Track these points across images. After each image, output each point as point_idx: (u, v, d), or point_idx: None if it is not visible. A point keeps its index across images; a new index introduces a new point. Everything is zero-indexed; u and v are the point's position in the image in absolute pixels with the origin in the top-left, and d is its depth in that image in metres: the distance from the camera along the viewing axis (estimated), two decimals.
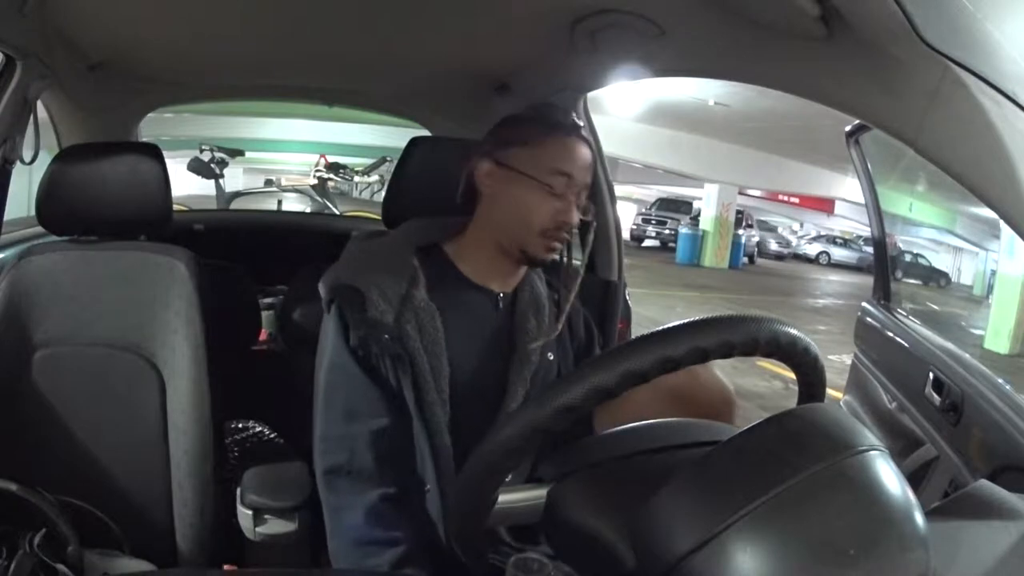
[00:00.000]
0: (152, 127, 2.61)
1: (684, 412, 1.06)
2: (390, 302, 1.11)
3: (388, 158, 5.81)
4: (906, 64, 0.77)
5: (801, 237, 27.24)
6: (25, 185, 1.48)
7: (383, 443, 1.09)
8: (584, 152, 1.16)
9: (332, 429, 1.11)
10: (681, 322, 0.65)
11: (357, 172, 6.68)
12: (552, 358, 1.21)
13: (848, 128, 2.00)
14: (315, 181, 6.12)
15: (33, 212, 1.39)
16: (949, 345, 1.68)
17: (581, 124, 1.23)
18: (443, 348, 1.12)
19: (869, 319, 2.09)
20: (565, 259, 1.24)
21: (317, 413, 1.13)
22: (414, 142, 1.43)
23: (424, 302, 1.13)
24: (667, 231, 20.15)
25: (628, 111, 12.08)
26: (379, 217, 1.65)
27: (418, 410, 1.10)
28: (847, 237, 25.81)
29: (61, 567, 1.00)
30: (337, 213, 4.91)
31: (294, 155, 15.07)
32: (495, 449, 0.67)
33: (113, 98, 1.91)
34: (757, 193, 20.82)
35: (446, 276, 1.18)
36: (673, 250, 18.02)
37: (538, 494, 0.72)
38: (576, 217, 1.15)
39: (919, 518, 0.57)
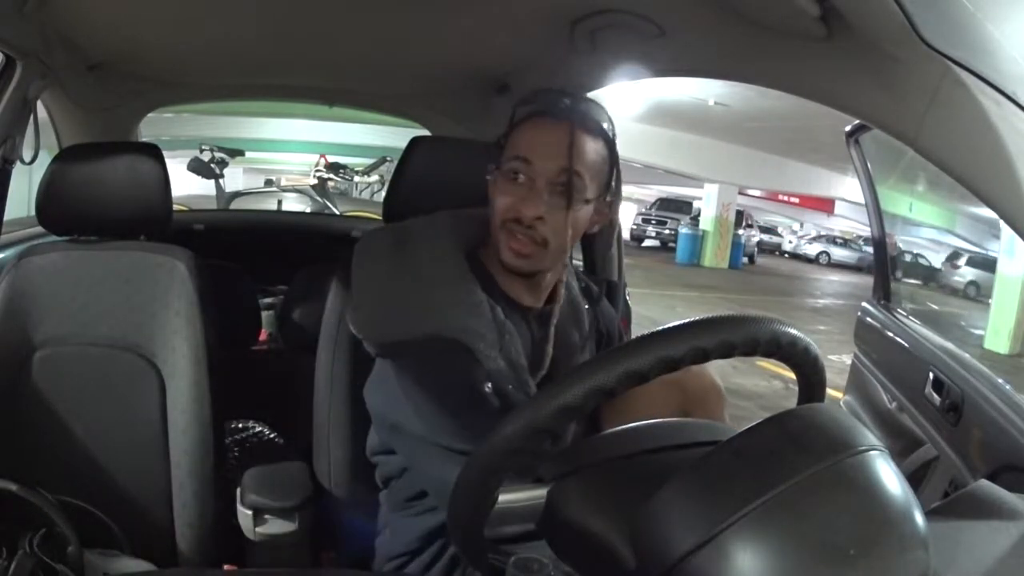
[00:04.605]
0: (152, 127, 2.61)
1: (676, 399, 1.06)
2: (494, 346, 1.01)
3: (388, 158, 5.81)
4: (906, 64, 0.77)
5: (801, 237, 27.27)
6: (25, 185, 1.48)
7: None
8: (553, 133, 0.99)
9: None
10: (681, 322, 0.65)
11: (357, 172, 6.68)
12: None
13: (848, 128, 2.00)
14: (315, 181, 6.12)
15: (33, 212, 1.39)
16: (949, 345, 1.68)
17: (566, 101, 1.02)
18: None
19: (869, 319, 2.09)
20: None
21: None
22: (414, 142, 1.43)
23: (508, 325, 1.04)
24: (667, 231, 20.15)
25: (628, 111, 12.06)
26: (379, 217, 1.65)
27: None
28: (847, 237, 25.82)
29: (61, 567, 1.00)
30: (337, 213, 4.91)
31: (294, 155, 15.07)
32: (495, 449, 0.67)
33: (113, 98, 1.91)
34: (757, 193, 20.83)
35: (490, 292, 1.06)
36: (673, 250, 18.01)
37: (538, 494, 0.72)
38: (533, 210, 0.99)
39: (919, 518, 0.57)
